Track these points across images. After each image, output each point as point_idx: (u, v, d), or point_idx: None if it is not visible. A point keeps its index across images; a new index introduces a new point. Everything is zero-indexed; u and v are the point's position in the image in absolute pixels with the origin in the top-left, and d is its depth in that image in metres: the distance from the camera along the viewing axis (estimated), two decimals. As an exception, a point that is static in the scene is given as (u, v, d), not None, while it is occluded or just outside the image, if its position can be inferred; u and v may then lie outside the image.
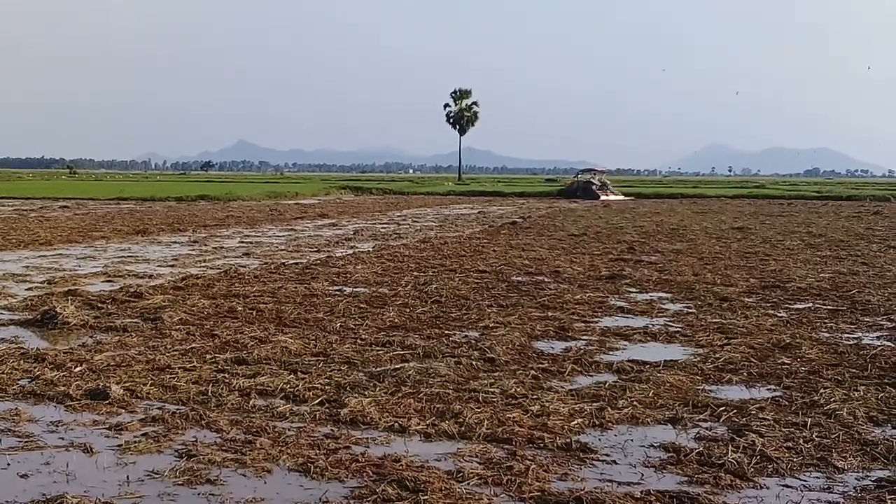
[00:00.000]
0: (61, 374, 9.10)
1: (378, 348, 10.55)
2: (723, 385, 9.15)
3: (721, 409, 8.08)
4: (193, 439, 7.15)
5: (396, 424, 7.56)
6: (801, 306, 14.36)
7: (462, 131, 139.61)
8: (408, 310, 13.37)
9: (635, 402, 8.28)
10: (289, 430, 7.42)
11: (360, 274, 17.74)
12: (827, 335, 11.82)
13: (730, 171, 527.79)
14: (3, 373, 9.16)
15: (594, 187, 73.53)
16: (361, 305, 13.72)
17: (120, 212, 41.42)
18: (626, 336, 11.70)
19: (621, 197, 73.02)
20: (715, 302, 14.62)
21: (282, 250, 23.62)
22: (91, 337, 11.22)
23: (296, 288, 15.54)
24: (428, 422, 7.63)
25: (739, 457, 6.75)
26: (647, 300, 14.91)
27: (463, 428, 7.45)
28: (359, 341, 10.98)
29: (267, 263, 19.92)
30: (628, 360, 10.03)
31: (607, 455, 6.92)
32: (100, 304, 13.47)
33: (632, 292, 15.86)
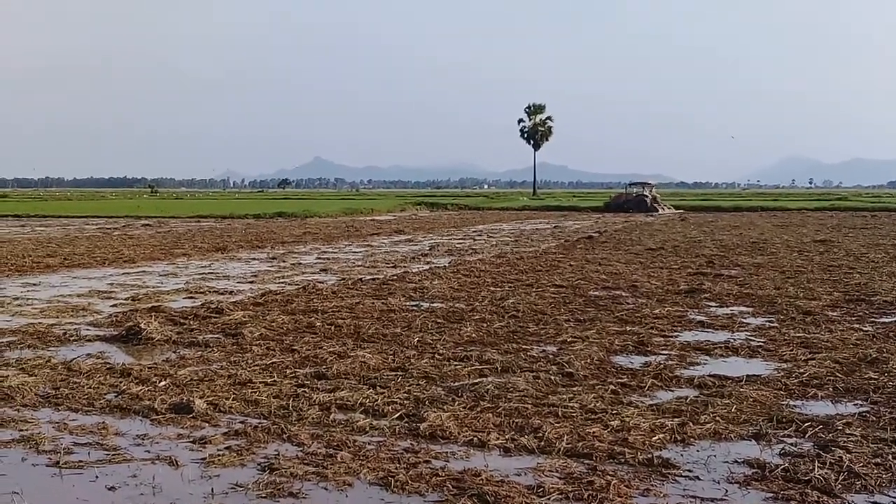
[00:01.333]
0: (146, 388, 9.28)
1: (456, 363, 10.55)
2: (808, 400, 8.96)
3: (806, 424, 7.92)
4: (275, 453, 7.22)
5: (476, 439, 7.55)
6: (887, 320, 14.01)
7: (536, 146, 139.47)
8: (485, 325, 13.36)
9: (718, 418, 8.16)
10: (369, 444, 7.46)
11: (436, 289, 17.78)
12: (915, 349, 11.50)
13: (810, 182, 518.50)
14: (90, 387, 9.37)
15: (648, 200, 72.32)
16: (438, 320, 13.76)
17: (200, 229, 42.14)
18: (706, 351, 11.54)
19: (672, 211, 71.68)
20: (798, 316, 14.34)
21: (358, 266, 23.79)
22: (174, 352, 11.42)
23: (373, 303, 15.63)
24: (507, 436, 7.61)
25: (826, 473, 6.61)
26: (727, 314, 14.69)
27: (542, 443, 7.41)
28: (437, 356, 11.00)
29: (344, 279, 20.08)
30: (709, 375, 9.89)
31: (690, 471, 6.82)
32: (182, 320, 13.71)
33: (712, 306, 15.64)
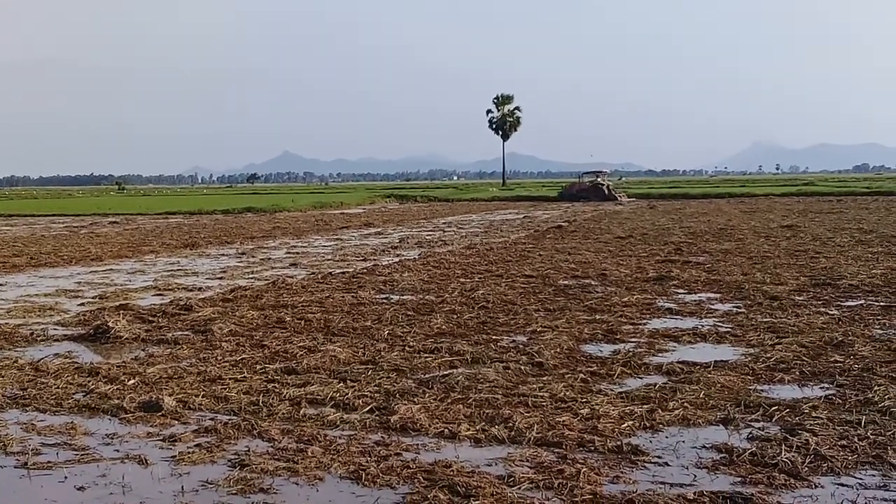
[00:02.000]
0: (115, 387, 9.23)
1: (426, 355, 10.57)
2: (775, 384, 9.04)
3: (773, 408, 8.00)
4: (246, 449, 7.21)
5: (446, 430, 7.57)
6: (852, 303, 14.16)
7: (505, 137, 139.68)
8: (455, 316, 13.38)
9: (686, 404, 8.22)
10: (340, 437, 7.46)
11: (406, 281, 17.79)
12: (880, 332, 11.63)
13: (777, 168, 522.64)
14: (58, 387, 9.31)
15: (605, 188, 73.19)
16: (409, 313, 13.76)
17: (168, 226, 41.90)
18: (675, 337, 11.62)
19: (628, 199, 72.52)
20: (765, 301, 14.46)
21: (328, 260, 23.75)
22: (143, 350, 11.36)
23: (343, 297, 15.62)
24: (478, 427, 7.64)
25: (793, 456, 6.68)
26: (695, 301, 14.80)
27: (513, 433, 7.44)
28: (407, 348, 11.01)
29: (314, 273, 20.04)
30: (678, 362, 9.96)
31: (659, 457, 6.88)
32: (151, 318, 13.64)
33: (680, 293, 15.75)
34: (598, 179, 76.08)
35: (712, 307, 14.13)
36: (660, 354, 10.61)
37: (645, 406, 8.16)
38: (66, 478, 6.70)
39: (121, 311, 13.99)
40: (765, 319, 12.76)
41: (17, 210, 64.65)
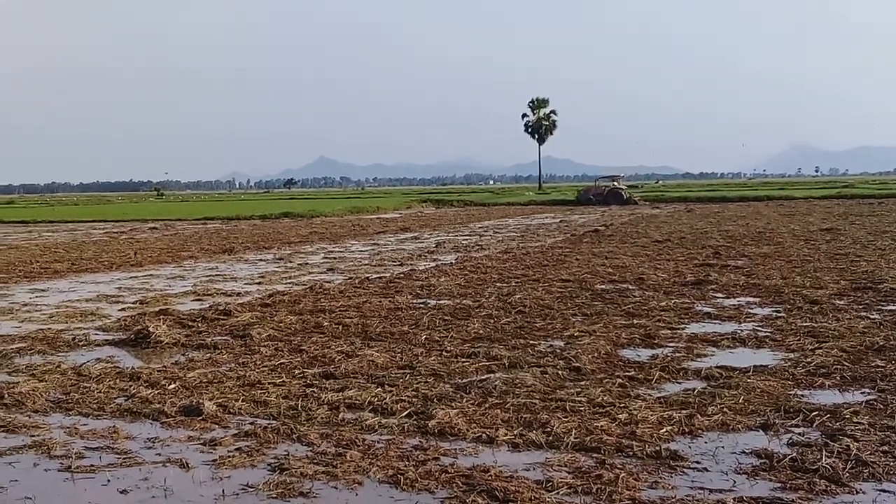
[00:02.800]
0: (156, 391, 9.33)
1: (463, 360, 10.59)
2: (815, 390, 8.97)
3: (814, 413, 7.93)
4: (285, 453, 7.26)
5: (484, 435, 7.58)
6: (894, 307, 14.01)
7: (541, 140, 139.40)
8: (492, 321, 13.39)
9: (725, 409, 8.18)
10: (378, 442, 7.50)
11: (443, 286, 17.82)
12: (922, 336, 11.50)
13: (817, 171, 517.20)
14: (100, 391, 9.43)
15: (624, 193, 73.55)
16: (446, 317, 13.79)
17: (207, 231, 42.24)
18: (713, 342, 11.55)
19: (645, 204, 73.06)
20: (805, 305, 14.34)
21: (365, 265, 23.85)
22: (183, 355, 11.47)
23: (380, 302, 15.68)
24: (515, 432, 7.64)
25: (834, 462, 6.62)
26: (734, 305, 14.70)
27: (551, 437, 7.44)
28: (444, 353, 11.03)
29: (351, 278, 20.13)
30: (717, 367, 9.91)
31: (698, 462, 6.85)
32: (190, 323, 13.77)
33: (718, 298, 15.65)
34: (615, 183, 76.22)
35: (751, 311, 14.03)
36: (698, 359, 10.56)
37: (684, 411, 8.13)
38: (108, 481, 6.78)
39: (161, 316, 14.13)
40: (805, 324, 12.65)
41: (59, 216, 65.44)
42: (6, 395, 9.25)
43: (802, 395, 8.71)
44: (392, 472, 6.70)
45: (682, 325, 12.89)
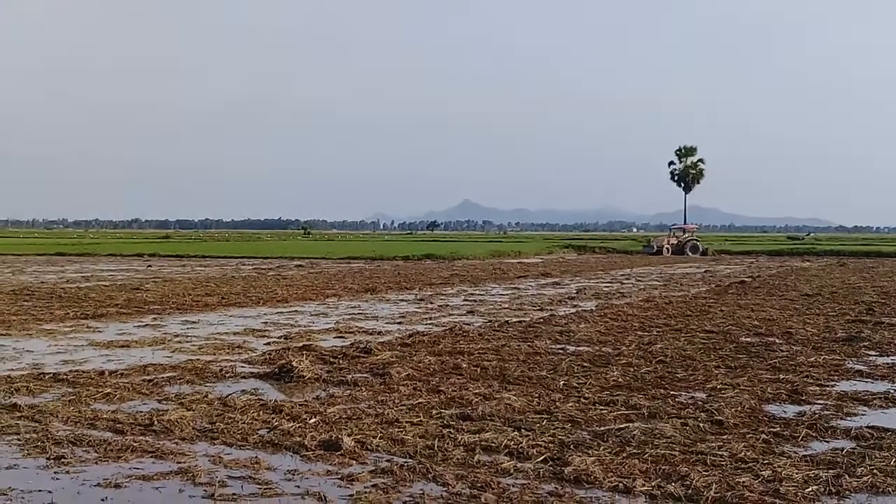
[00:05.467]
0: (297, 425, 9.52)
1: (602, 407, 10.46)
2: (975, 455, 8.50)
3: (973, 481, 7.52)
4: (421, 492, 7.30)
5: (621, 484, 7.46)
6: None
7: (687, 189, 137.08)
8: (632, 369, 13.20)
9: (875, 471, 7.83)
10: (513, 486, 7.46)
11: (583, 332, 17.68)
12: None
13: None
14: (244, 423, 9.68)
15: (699, 244, 75.27)
16: (584, 364, 13.67)
17: (350, 270, 43.04)
18: (865, 401, 11.11)
19: (714, 253, 75.21)
20: (964, 366, 13.64)
21: (505, 308, 23.86)
22: (324, 390, 11.69)
23: (519, 346, 15.65)
24: (653, 483, 7.49)
25: None
26: (888, 364, 14.11)
27: (690, 491, 7.26)
28: (582, 400, 10.93)
29: (491, 321, 20.17)
30: (867, 427, 9.51)
31: (845, 525, 6.58)
32: (332, 359, 14.02)
33: (871, 355, 15.05)
34: (688, 235, 77.90)
35: (906, 371, 13.43)
36: (848, 418, 10.16)
37: (831, 471, 7.82)
38: (249, 510, 6.94)
39: (304, 352, 14.44)
40: (964, 386, 12.03)
41: (211, 252, 67.76)
42: (156, 423, 9.60)
43: (961, 461, 8.27)
44: (526, 517, 6.64)
45: (832, 383, 12.43)
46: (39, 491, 7.36)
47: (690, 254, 72.18)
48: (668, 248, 73.12)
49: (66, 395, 11.14)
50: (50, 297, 25.45)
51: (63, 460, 8.21)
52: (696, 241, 76.89)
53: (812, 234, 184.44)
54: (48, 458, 8.28)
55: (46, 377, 12.40)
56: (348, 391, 11.53)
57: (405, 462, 8.15)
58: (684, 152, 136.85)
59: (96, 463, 8.17)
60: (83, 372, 12.89)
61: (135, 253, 63.22)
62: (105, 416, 9.97)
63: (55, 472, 7.89)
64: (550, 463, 8.11)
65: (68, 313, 20.91)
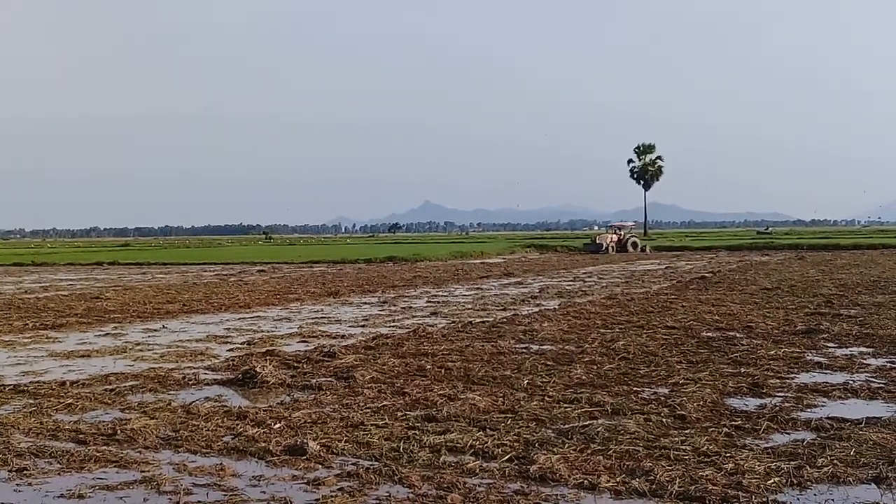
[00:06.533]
0: (262, 430, 9.49)
1: (566, 405, 10.52)
2: (932, 443, 8.65)
3: (930, 468, 7.65)
4: (387, 494, 7.31)
5: (586, 481, 7.50)
6: None
7: (646, 186, 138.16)
8: (595, 367, 13.28)
9: (836, 461, 7.94)
10: (479, 486, 7.48)
11: (546, 331, 17.75)
12: None
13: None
14: (208, 430, 9.63)
15: (638, 242, 77.17)
16: (548, 363, 13.73)
17: (313, 275, 42.90)
18: (824, 392, 11.25)
19: (652, 251, 76.07)
20: (921, 356, 13.86)
21: (468, 309, 23.91)
22: (288, 395, 11.66)
23: (483, 346, 15.70)
24: (618, 479, 7.55)
25: (952, 519, 6.37)
26: (846, 355, 14.30)
27: (654, 486, 7.33)
28: (546, 398, 10.98)
29: (454, 322, 20.21)
30: (827, 418, 9.64)
31: (807, 515, 6.66)
32: (296, 364, 13.99)
33: (830, 347, 15.24)
34: (624, 233, 78.87)
35: (864, 362, 13.63)
36: (808, 410, 10.28)
37: (792, 462, 7.92)
38: (215, 517, 6.91)
39: (267, 357, 14.40)
40: (921, 375, 12.22)
41: (172, 259, 67.31)
42: (119, 432, 9.53)
43: (918, 449, 8.41)
44: (493, 517, 6.67)
45: (792, 375, 12.58)
46: (2, 503, 7.28)
47: (632, 250, 73.48)
48: (612, 246, 73.73)
49: (26, 407, 11.03)
50: (8, 308, 25.20)
51: (25, 472, 8.14)
52: (636, 238, 78.90)
53: (770, 229, 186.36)
54: (10, 471, 8.20)
55: (6, 389, 12.30)
56: (313, 395, 11.51)
57: (371, 465, 8.15)
58: (643, 150, 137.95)
59: (59, 474, 8.10)
60: (44, 383, 12.77)
61: (94, 262, 62.67)
62: (67, 426, 9.89)
63: (17, 485, 7.82)
64: (516, 462, 8.14)
65: (27, 324, 20.70)
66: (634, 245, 75.27)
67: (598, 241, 75.39)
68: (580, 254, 73.14)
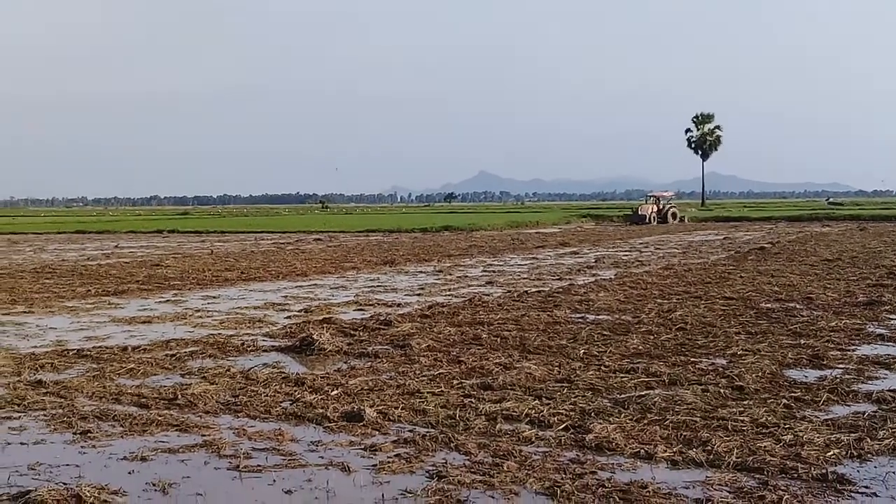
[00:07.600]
0: (319, 397, 9.59)
1: (622, 375, 10.49)
2: None
3: None
4: (443, 461, 7.35)
5: (642, 451, 7.49)
6: None
7: (704, 156, 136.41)
8: (652, 337, 13.21)
9: (898, 434, 7.83)
10: (535, 454, 7.50)
11: (602, 301, 17.68)
12: None
13: None
14: (266, 395, 9.76)
15: (677, 212, 76.50)
16: (604, 332, 13.68)
17: (369, 243, 43.10)
18: (886, 365, 11.08)
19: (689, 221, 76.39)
20: None
21: (524, 278, 23.87)
22: (345, 362, 11.76)
23: (538, 315, 15.67)
24: (675, 449, 7.52)
25: None
26: (909, 327, 14.05)
27: (711, 456, 7.29)
28: (602, 368, 10.95)
29: (510, 292, 20.19)
30: (889, 390, 9.49)
31: (867, 487, 6.58)
32: (352, 332, 14.09)
33: (893, 319, 15.00)
34: (663, 202, 77.71)
35: (928, 334, 13.39)
36: (869, 382, 10.14)
37: (853, 434, 7.83)
38: (274, 481, 7.02)
39: (324, 325, 14.52)
40: None
41: (230, 227, 68.02)
42: (180, 397, 9.70)
43: (983, 423, 8.26)
44: (549, 485, 6.69)
45: (853, 347, 12.41)
46: (67, 465, 7.46)
47: (672, 221, 72.75)
48: (654, 217, 73.01)
49: (90, 371, 11.25)
50: (71, 275, 25.67)
51: (89, 435, 8.32)
52: (675, 208, 77.84)
53: (831, 199, 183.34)
54: (74, 433, 8.39)
55: (70, 353, 12.54)
56: (369, 363, 11.60)
57: (427, 432, 8.20)
58: (702, 119, 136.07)
59: (122, 437, 8.28)
60: (106, 348, 13.00)
61: (154, 230, 63.50)
62: (129, 390, 10.08)
63: (82, 447, 7.99)
64: (571, 431, 8.14)
65: (90, 290, 21.07)
66: (674, 215, 74.49)
67: (640, 213, 74.47)
68: (630, 224, 72.58)
